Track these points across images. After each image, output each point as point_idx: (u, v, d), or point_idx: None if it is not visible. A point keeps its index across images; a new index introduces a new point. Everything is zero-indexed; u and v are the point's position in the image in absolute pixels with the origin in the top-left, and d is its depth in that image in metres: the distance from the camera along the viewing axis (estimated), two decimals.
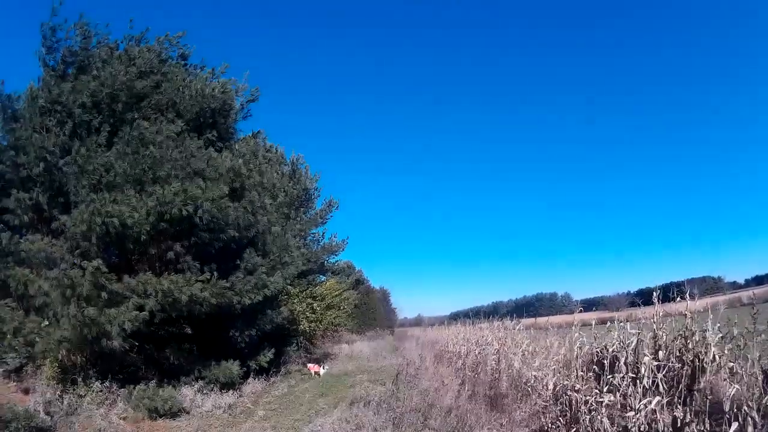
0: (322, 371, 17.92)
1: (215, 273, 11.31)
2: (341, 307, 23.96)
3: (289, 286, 20.04)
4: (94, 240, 10.22)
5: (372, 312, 50.15)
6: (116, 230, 10.03)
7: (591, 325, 9.62)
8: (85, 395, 10.54)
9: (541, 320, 17.32)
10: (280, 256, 13.73)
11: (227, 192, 11.11)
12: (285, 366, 18.34)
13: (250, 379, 14.77)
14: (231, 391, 12.97)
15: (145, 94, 12.23)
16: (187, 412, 11.09)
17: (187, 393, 11.63)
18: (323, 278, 25.32)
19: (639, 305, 9.75)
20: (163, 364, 12.34)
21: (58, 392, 10.24)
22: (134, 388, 10.71)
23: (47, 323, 9.77)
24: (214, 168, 11.48)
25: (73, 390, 10.54)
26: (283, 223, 15.55)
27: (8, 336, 9.54)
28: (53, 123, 11.21)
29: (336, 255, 26.01)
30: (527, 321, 20.49)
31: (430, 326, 62.15)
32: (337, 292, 23.89)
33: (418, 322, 78.67)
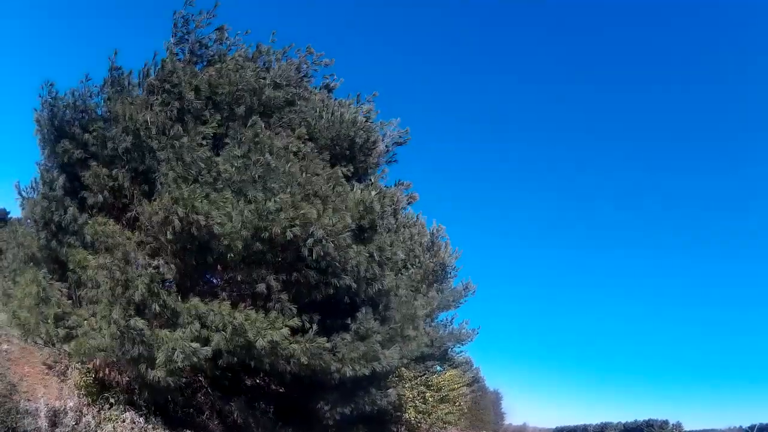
0: None
1: (314, 326, 9.15)
2: (457, 403, 20.77)
3: (403, 368, 17.57)
4: (169, 236, 8.39)
5: (482, 414, 45.88)
6: (200, 233, 8.20)
7: None
8: (112, 421, 8.82)
9: None
10: (403, 327, 11.27)
11: (352, 226, 9.03)
12: None
13: None
14: None
15: (277, 107, 10.52)
16: None
17: None
18: (440, 369, 22.44)
19: None
20: (227, 418, 10.36)
21: (83, 406, 8.54)
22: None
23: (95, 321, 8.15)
24: (339, 195, 9.37)
25: (100, 411, 8.77)
26: (413, 296, 13.24)
27: (49, 322, 8.06)
28: (158, 101, 9.68)
29: (463, 345, 22.93)
30: None
31: None
32: (456, 386, 20.78)
33: (521, 430, 73.10)
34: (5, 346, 9.35)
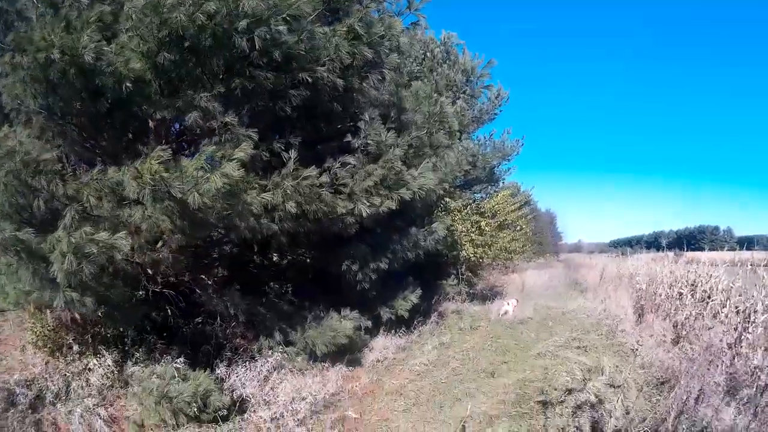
0: (509, 309, 13.06)
1: (292, 152, 5.93)
2: (519, 227, 17.58)
3: (447, 198, 14.30)
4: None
5: (540, 237, 43.64)
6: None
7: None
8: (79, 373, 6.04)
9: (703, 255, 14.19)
10: (431, 133, 7.82)
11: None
12: (437, 308, 12.96)
13: (379, 338, 9.54)
14: (339, 365, 7.86)
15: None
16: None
17: (253, 373, 6.68)
18: (489, 194, 19.08)
19: None
20: (229, 319, 7.38)
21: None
22: (145, 367, 5.95)
23: None
24: None
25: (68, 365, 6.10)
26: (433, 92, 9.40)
27: None
28: None
29: (509, 160, 19.33)
30: (689, 255, 18.19)
31: (589, 253, 57.39)
32: (512, 207, 17.48)
33: (577, 248, 73.52)
34: None
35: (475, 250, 15.30)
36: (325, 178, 6.19)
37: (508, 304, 13.44)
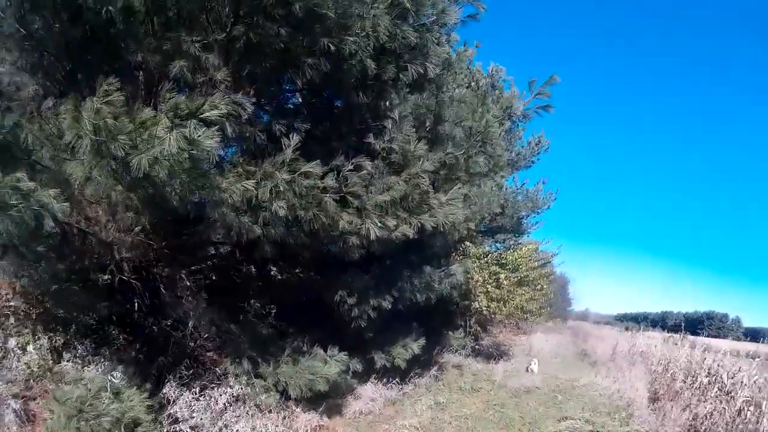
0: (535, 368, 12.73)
1: (293, 137, 4.57)
2: (540, 287, 15.87)
3: (467, 242, 12.85)
4: None
5: (552, 300, 41.90)
6: None
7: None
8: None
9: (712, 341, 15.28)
10: (468, 154, 6.34)
11: None
12: (438, 359, 11.51)
13: (369, 385, 8.12)
14: (313, 411, 6.43)
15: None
16: None
17: (207, 401, 5.32)
18: (516, 243, 17.52)
19: None
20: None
21: None
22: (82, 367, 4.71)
23: None
24: None
25: None
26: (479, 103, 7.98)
27: None
28: None
29: (539, 213, 17.82)
30: (695, 339, 17.36)
31: (596, 323, 56.23)
32: (535, 264, 15.80)
33: (584, 316, 71.14)
34: None
35: (489, 303, 13.75)
36: (330, 181, 4.83)
37: (534, 363, 12.98)
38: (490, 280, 13.85)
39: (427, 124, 5.99)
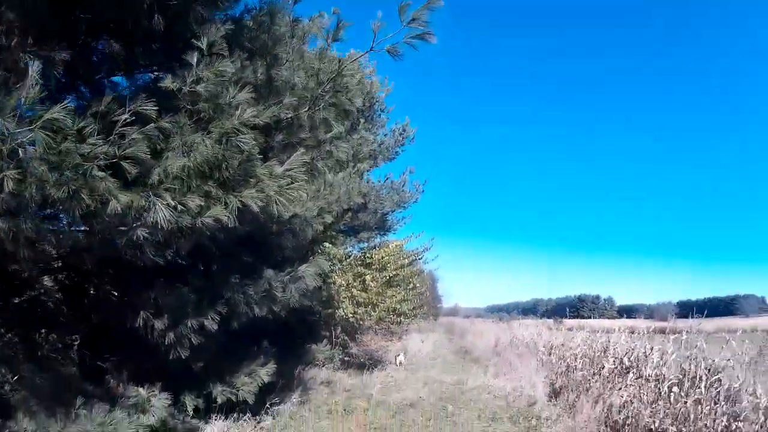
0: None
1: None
2: (412, 286, 14.42)
3: (326, 242, 11.17)
4: None
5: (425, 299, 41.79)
6: None
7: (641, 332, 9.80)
8: None
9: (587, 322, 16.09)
10: (315, 105, 4.69)
11: None
12: (303, 376, 9.93)
13: (216, 423, 6.31)
14: None
15: None
16: None
17: None
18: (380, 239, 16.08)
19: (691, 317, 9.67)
20: None
21: None
22: None
23: None
24: None
25: None
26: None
27: None
28: None
29: (405, 208, 16.50)
30: (570, 322, 19.85)
31: (467, 317, 58.16)
32: (406, 260, 14.34)
33: (454, 312, 73.23)
34: None
35: (356, 309, 12.23)
36: (100, 143, 2.96)
37: (401, 355, 14.07)
38: (355, 283, 12.35)
39: (258, 62, 4.24)
